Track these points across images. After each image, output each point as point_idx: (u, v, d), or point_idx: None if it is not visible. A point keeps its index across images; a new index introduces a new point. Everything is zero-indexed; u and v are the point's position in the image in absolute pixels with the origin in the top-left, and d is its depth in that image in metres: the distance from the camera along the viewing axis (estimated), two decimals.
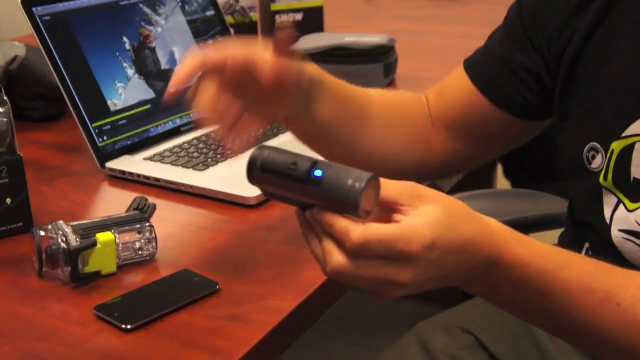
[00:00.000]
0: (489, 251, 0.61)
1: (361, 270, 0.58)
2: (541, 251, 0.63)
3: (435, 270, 0.59)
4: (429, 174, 0.93)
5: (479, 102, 0.87)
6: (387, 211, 0.59)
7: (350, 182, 0.57)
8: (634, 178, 0.73)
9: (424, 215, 0.58)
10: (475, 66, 0.89)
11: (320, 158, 0.59)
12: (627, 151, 0.73)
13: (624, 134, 0.74)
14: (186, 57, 0.72)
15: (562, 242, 0.91)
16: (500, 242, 0.61)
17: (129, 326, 0.68)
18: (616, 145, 0.74)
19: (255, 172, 0.61)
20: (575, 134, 0.79)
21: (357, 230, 0.57)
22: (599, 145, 0.76)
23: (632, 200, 0.74)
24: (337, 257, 0.58)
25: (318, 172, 0.58)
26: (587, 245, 0.83)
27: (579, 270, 0.63)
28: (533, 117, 0.87)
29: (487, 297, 0.66)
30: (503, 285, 0.63)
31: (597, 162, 0.76)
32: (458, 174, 0.96)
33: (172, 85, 0.71)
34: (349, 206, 0.57)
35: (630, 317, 0.63)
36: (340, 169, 0.58)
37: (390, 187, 0.59)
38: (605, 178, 0.75)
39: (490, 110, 0.87)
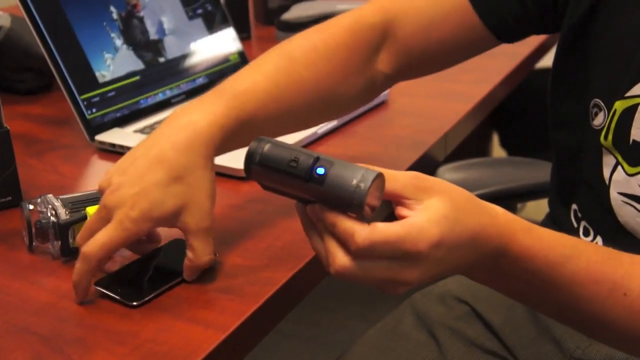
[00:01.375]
0: (496, 243, 0.60)
1: (367, 272, 0.57)
2: (549, 241, 0.63)
3: (442, 266, 0.59)
4: (373, 95, 0.89)
5: (470, 22, 0.84)
6: (392, 204, 0.59)
7: (354, 182, 0.56)
8: (633, 140, 0.73)
9: (430, 210, 0.57)
10: None
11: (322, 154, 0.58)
12: (630, 112, 0.73)
13: (627, 94, 0.73)
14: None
15: (552, 205, 0.91)
16: (507, 234, 0.61)
17: (135, 303, 0.68)
18: (619, 105, 0.74)
19: (253, 167, 0.60)
20: (580, 89, 0.79)
21: (362, 231, 0.56)
22: (602, 103, 0.76)
23: (631, 164, 0.74)
24: (341, 259, 0.57)
25: (320, 170, 0.57)
26: (574, 206, 0.83)
27: (586, 260, 0.63)
28: (511, 40, 0.86)
29: (493, 287, 0.66)
30: (510, 276, 0.63)
31: (599, 119, 0.76)
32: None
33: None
34: (354, 207, 0.56)
35: (637, 306, 0.63)
36: (344, 167, 0.57)
37: (395, 180, 0.58)
38: (605, 138, 0.75)
39: (479, 31, 0.84)
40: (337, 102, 0.85)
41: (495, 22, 0.84)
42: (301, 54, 0.82)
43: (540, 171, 1.18)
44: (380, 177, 0.57)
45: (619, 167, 0.75)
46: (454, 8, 0.84)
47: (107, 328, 0.66)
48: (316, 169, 0.57)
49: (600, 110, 0.76)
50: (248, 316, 0.67)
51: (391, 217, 0.59)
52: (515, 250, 0.61)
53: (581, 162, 0.81)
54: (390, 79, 0.89)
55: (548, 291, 0.63)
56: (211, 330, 0.65)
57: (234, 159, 0.91)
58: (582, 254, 0.64)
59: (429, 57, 0.87)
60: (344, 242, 0.57)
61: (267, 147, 0.59)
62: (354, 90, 0.85)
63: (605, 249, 0.66)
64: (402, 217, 0.58)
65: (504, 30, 0.85)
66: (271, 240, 0.78)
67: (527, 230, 0.62)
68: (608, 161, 0.76)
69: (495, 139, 2.10)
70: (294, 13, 1.37)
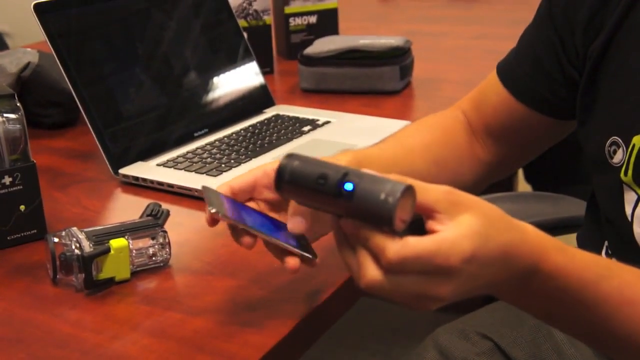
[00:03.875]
0: (527, 261, 0.60)
1: (397, 286, 0.57)
2: (581, 260, 0.63)
3: (473, 282, 0.58)
4: (483, 183, 0.94)
5: (515, 107, 0.89)
6: (423, 217, 0.59)
7: (383, 196, 0.56)
8: None
9: (462, 226, 0.57)
10: (507, 71, 0.90)
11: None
12: None
13: None
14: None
15: (581, 241, 0.91)
16: (538, 252, 0.61)
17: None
18: (638, 140, 0.75)
19: (283, 185, 0.60)
20: (598, 128, 0.80)
21: (393, 247, 0.56)
22: (620, 140, 0.77)
23: None
24: (372, 272, 0.57)
25: (349, 186, 0.57)
26: (606, 243, 0.84)
27: (619, 280, 0.63)
28: (569, 116, 0.88)
29: (522, 307, 0.66)
30: (541, 295, 0.63)
31: (618, 157, 0.77)
32: (506, 176, 0.98)
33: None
34: (384, 221, 0.56)
35: None
36: (373, 181, 0.57)
37: (427, 193, 0.58)
38: (625, 174, 0.76)
39: (528, 113, 0.88)
40: (445, 167, 0.90)
41: (531, 99, 0.87)
42: (411, 126, 0.94)
43: (564, 206, 1.19)
44: (409, 189, 0.57)
45: None
46: (499, 100, 0.90)
47: None
48: (344, 184, 0.57)
49: (619, 147, 0.77)
50: (270, 349, 0.68)
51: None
52: (547, 268, 0.61)
53: (606, 200, 0.81)
54: (492, 165, 0.93)
55: (580, 311, 0.63)
56: None
57: None
58: (616, 274, 0.63)
59: (504, 148, 0.92)
60: (376, 257, 0.57)
61: (295, 163, 0.59)
62: (463, 163, 0.91)
63: (638, 271, 0.65)
64: (433, 232, 0.57)
65: (547, 106, 0.87)
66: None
67: (560, 249, 0.62)
68: (629, 197, 0.77)
69: (520, 174, 2.10)
70: (317, 47, 1.39)
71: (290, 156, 0.60)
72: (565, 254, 0.62)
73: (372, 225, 0.57)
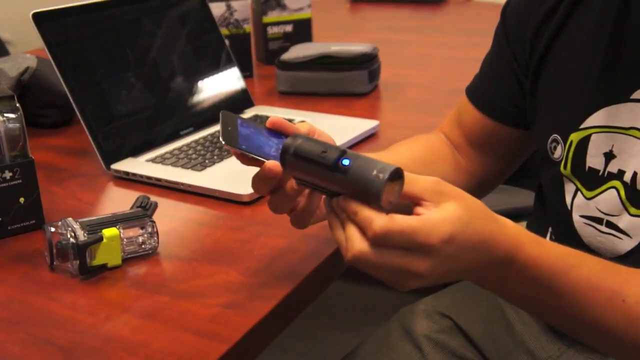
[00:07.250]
0: (503, 251, 0.60)
1: (381, 259, 0.57)
2: (553, 252, 0.63)
3: (452, 264, 0.58)
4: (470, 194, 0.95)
5: (487, 123, 0.89)
6: (411, 204, 0.59)
7: (374, 173, 0.56)
8: (589, 167, 0.75)
9: (445, 211, 0.57)
10: (475, 92, 0.91)
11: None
12: (584, 142, 0.75)
13: (581, 126, 0.76)
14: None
15: (530, 228, 0.92)
16: (514, 243, 0.61)
17: None
18: (574, 137, 0.76)
19: (287, 158, 0.61)
20: (542, 127, 0.81)
21: (380, 220, 0.56)
22: (559, 137, 0.78)
23: (588, 189, 0.76)
24: (359, 244, 0.57)
25: (346, 162, 0.58)
26: (550, 229, 0.85)
27: (587, 269, 0.63)
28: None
29: (500, 293, 0.66)
30: (516, 283, 0.63)
31: (558, 152, 0.78)
32: (493, 188, 0.97)
33: (270, 123, 0.69)
34: (372, 196, 0.56)
35: (634, 313, 0.62)
36: (367, 160, 0.57)
37: (415, 183, 0.58)
38: (565, 167, 0.77)
39: (499, 127, 0.89)
40: (430, 167, 0.89)
41: (498, 114, 0.88)
42: (396, 143, 0.92)
43: (516, 197, 1.20)
44: (398, 171, 0.57)
45: (579, 193, 0.77)
46: (472, 119, 0.90)
47: (120, 339, 0.67)
48: (342, 160, 0.58)
49: (558, 143, 0.78)
50: (250, 328, 0.67)
51: None
52: (522, 258, 0.61)
53: (549, 191, 0.83)
54: (477, 177, 0.93)
55: (552, 298, 0.63)
56: (216, 342, 0.65)
57: (236, 185, 0.93)
58: (584, 264, 0.64)
59: (485, 160, 0.92)
60: (363, 230, 0.57)
61: (300, 140, 0.61)
62: (446, 165, 0.91)
63: (605, 261, 0.66)
64: (418, 215, 0.58)
65: (512, 118, 0.87)
66: (271, 259, 0.79)
67: (534, 241, 0.62)
68: (569, 188, 0.78)
69: None
70: (293, 53, 1.38)
71: (295, 136, 0.61)
72: (539, 246, 0.62)
73: (362, 200, 0.57)
